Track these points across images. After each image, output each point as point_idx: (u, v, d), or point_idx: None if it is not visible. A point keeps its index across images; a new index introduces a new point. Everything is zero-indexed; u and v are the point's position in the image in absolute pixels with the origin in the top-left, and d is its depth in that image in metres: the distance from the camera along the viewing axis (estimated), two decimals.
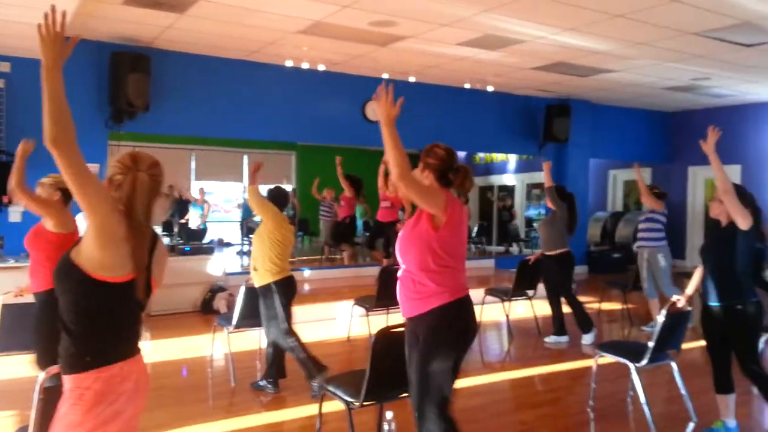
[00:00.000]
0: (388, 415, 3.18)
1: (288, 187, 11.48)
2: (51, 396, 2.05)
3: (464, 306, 2.90)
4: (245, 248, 12.29)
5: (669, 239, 6.88)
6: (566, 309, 6.44)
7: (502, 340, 6.84)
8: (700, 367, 5.05)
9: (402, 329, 3.03)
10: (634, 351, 4.07)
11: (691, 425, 4.03)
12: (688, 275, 4.24)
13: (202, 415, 4.24)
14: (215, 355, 5.72)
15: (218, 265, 8.16)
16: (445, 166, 2.94)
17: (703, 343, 3.97)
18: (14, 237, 6.48)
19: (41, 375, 2.43)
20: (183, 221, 12.07)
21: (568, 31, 6.80)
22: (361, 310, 6.27)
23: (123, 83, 7.28)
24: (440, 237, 2.82)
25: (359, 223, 12.64)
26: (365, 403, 3.19)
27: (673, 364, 4.13)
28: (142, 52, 7.48)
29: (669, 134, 12.77)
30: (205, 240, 11.91)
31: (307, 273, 9.64)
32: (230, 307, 6.80)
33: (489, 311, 6.88)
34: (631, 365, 4.00)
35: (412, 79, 9.63)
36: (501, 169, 15.53)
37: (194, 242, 9.96)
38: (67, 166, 1.75)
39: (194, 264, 7.84)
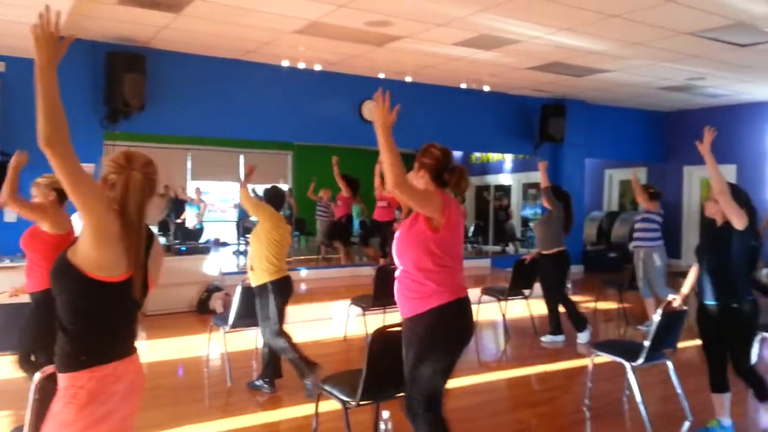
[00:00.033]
0: (385, 414, 3.19)
1: (284, 187, 11.48)
2: (46, 396, 2.05)
3: (463, 306, 2.91)
4: (241, 248, 12.27)
5: (664, 239, 6.91)
6: (561, 309, 6.45)
7: (499, 340, 6.85)
8: (696, 366, 5.06)
9: (398, 329, 3.04)
10: (630, 350, 4.09)
11: (687, 424, 4.05)
12: (684, 274, 4.25)
13: (198, 415, 4.24)
14: (211, 355, 5.72)
15: (214, 264, 8.15)
16: (440, 166, 2.94)
17: (698, 342, 3.98)
18: (9, 237, 6.45)
19: (37, 375, 2.42)
20: (179, 221, 12.05)
21: (564, 31, 6.81)
22: (358, 310, 6.27)
23: (119, 83, 7.26)
24: (438, 238, 2.82)
25: (356, 222, 12.64)
26: (362, 403, 3.19)
27: (669, 363, 4.14)
28: (137, 52, 7.47)
29: (664, 134, 12.81)
30: (202, 240, 11.89)
31: (303, 272, 9.64)
32: (226, 306, 6.79)
33: (485, 311, 6.89)
34: (627, 364, 4.02)
35: (408, 79, 9.64)
36: (497, 168, 15.55)
37: (190, 242, 9.95)
38: (60, 165, 1.75)
39: (190, 264, 7.83)
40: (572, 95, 10.91)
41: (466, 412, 4.33)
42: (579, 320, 6.40)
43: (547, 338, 6.44)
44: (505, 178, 15.44)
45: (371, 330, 3.22)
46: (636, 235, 6.93)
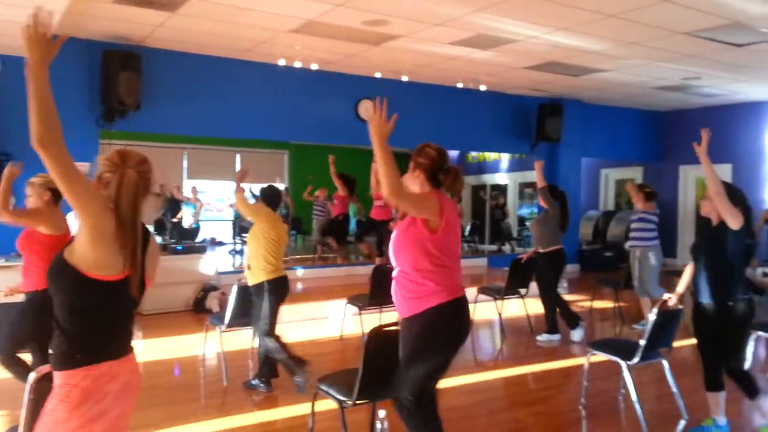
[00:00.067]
0: (381, 413, 3.18)
1: (281, 186, 11.47)
2: (41, 396, 2.05)
3: (461, 306, 2.91)
4: (237, 247, 12.26)
5: (660, 238, 6.92)
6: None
7: (495, 339, 6.86)
8: (691, 365, 5.08)
9: (395, 328, 3.04)
10: (625, 349, 4.09)
11: (682, 423, 4.06)
12: (679, 273, 4.26)
13: (194, 415, 4.23)
14: (207, 355, 5.71)
15: (210, 264, 8.13)
16: (436, 166, 2.94)
17: (694, 341, 3.99)
18: (4, 236, 6.43)
19: (32, 375, 2.41)
20: (175, 220, 12.03)
21: (561, 30, 6.82)
22: (354, 309, 6.26)
23: (114, 82, 7.25)
24: (435, 238, 2.83)
25: (353, 221, 12.64)
26: (358, 402, 3.19)
27: (665, 362, 4.15)
28: (133, 51, 7.45)
29: (660, 133, 12.84)
30: (198, 239, 11.87)
31: (299, 272, 9.63)
32: (222, 306, 6.79)
33: (481, 310, 6.89)
34: (622, 363, 4.02)
35: (404, 79, 9.64)
36: (493, 168, 15.56)
37: (187, 241, 9.93)
38: (54, 165, 1.74)
39: (186, 263, 7.82)
40: (569, 95, 10.93)
41: (462, 411, 4.34)
42: (571, 318, 6.42)
43: (543, 337, 6.45)
44: (501, 178, 15.45)
45: (367, 329, 3.21)
46: (632, 234, 6.94)
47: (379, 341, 3.14)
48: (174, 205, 12.33)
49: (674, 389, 4.11)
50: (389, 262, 3.05)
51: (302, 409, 4.19)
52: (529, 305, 6.96)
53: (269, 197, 4.79)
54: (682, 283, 4.03)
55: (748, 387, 3.87)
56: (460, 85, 10.18)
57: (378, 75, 9.35)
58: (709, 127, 3.88)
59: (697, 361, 3.96)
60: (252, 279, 4.61)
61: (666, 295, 4.10)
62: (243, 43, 7.69)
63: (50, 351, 1.94)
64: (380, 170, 2.64)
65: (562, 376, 5.41)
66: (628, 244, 7.24)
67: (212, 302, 7.50)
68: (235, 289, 4.86)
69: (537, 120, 11.01)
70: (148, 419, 3.96)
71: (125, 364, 1.99)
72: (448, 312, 2.84)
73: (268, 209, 4.69)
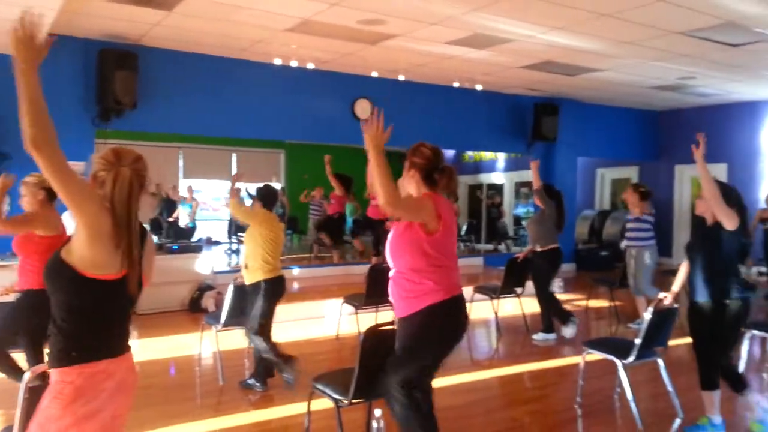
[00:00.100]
0: (377, 413, 3.18)
1: (277, 186, 11.46)
2: (36, 395, 2.04)
3: (458, 304, 2.92)
4: (234, 247, 12.24)
5: (656, 238, 6.94)
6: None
7: (491, 338, 6.87)
8: (687, 363, 5.09)
9: (391, 327, 3.04)
10: (621, 348, 4.10)
11: (678, 421, 4.07)
12: (674, 272, 4.27)
13: (190, 414, 4.22)
14: (203, 354, 5.70)
15: (206, 263, 8.12)
16: (431, 165, 2.94)
17: (689, 340, 4.00)
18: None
19: (26, 374, 2.41)
20: (171, 219, 12.01)
21: (557, 30, 6.83)
22: (350, 308, 6.26)
23: (110, 81, 7.23)
24: (433, 240, 2.83)
25: (349, 221, 12.64)
26: (354, 401, 3.19)
27: (660, 361, 4.16)
28: (129, 50, 7.43)
29: (656, 133, 12.87)
30: (194, 238, 11.85)
31: (296, 271, 9.63)
32: (218, 305, 6.78)
33: (478, 309, 6.90)
34: (618, 362, 4.04)
35: (401, 78, 9.64)
36: (490, 167, 15.57)
37: (182, 240, 9.92)
38: (47, 166, 1.74)
39: (182, 262, 7.80)
40: (565, 94, 10.94)
41: (458, 410, 4.34)
42: (563, 315, 6.45)
43: (539, 336, 6.46)
44: (497, 177, 15.47)
45: (363, 328, 3.21)
46: (629, 234, 6.96)
47: (375, 340, 3.14)
48: (170, 204, 12.31)
49: (670, 388, 4.13)
50: (385, 262, 3.06)
51: (298, 408, 4.19)
52: (525, 304, 6.97)
53: (266, 197, 4.79)
54: (678, 282, 4.04)
55: (736, 382, 3.89)
56: (456, 85, 10.18)
57: (374, 74, 9.35)
58: (705, 127, 3.91)
59: (693, 360, 3.97)
60: (249, 278, 4.60)
61: (661, 294, 4.11)
62: (239, 42, 7.68)
63: (47, 349, 1.94)
64: (376, 180, 2.65)
65: (557, 374, 5.42)
66: (623, 244, 7.27)
67: (208, 302, 7.49)
68: (230, 288, 4.86)
69: (533, 119, 11.01)
70: (143, 418, 3.96)
71: (122, 362, 1.99)
72: (443, 311, 2.84)
73: (263, 211, 4.68)
